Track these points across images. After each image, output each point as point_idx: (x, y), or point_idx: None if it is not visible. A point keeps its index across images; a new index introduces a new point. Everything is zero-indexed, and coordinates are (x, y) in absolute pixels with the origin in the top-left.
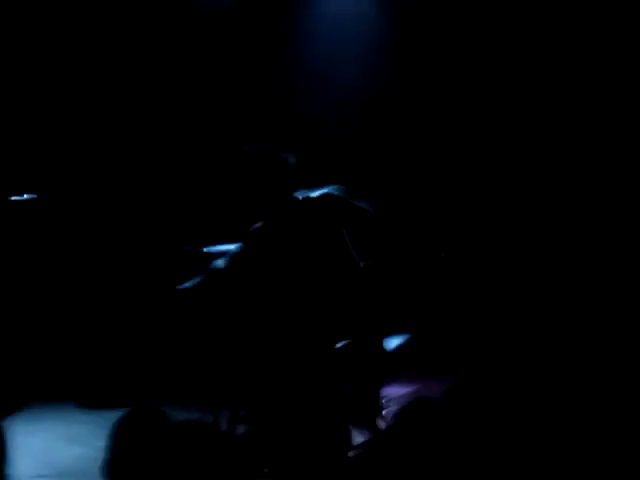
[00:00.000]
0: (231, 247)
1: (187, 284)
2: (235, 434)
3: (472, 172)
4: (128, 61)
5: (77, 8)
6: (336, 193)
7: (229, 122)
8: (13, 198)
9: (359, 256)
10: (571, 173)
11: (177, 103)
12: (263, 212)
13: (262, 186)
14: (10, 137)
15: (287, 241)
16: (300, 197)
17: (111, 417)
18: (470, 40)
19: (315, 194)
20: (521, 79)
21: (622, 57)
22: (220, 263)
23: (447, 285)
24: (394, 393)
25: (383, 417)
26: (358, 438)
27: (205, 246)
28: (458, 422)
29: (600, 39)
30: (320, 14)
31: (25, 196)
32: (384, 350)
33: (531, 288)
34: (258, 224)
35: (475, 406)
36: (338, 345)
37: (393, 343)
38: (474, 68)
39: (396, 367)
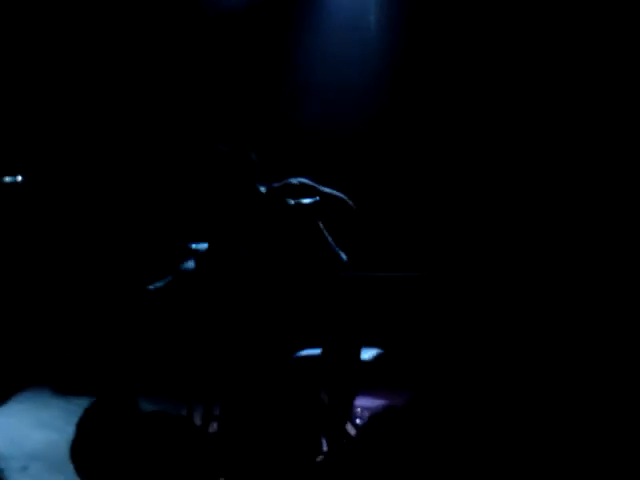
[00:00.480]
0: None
1: (158, 283)
2: (207, 431)
3: (463, 187)
4: (128, 58)
5: (77, 7)
6: (299, 182)
7: (231, 127)
8: (5, 179)
9: (342, 252)
10: (566, 189)
11: (175, 102)
12: (227, 207)
13: (221, 181)
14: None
15: (255, 237)
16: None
17: (84, 404)
18: (472, 49)
19: (278, 185)
20: (525, 90)
21: (622, 57)
22: (190, 264)
23: (427, 302)
24: (366, 404)
25: (354, 426)
26: (327, 444)
27: (194, 242)
28: (422, 430)
29: (600, 39)
30: (323, 24)
31: (19, 178)
32: (361, 360)
33: (519, 309)
34: (222, 223)
35: (439, 414)
36: (309, 352)
37: (366, 355)
38: (477, 78)
39: (369, 378)
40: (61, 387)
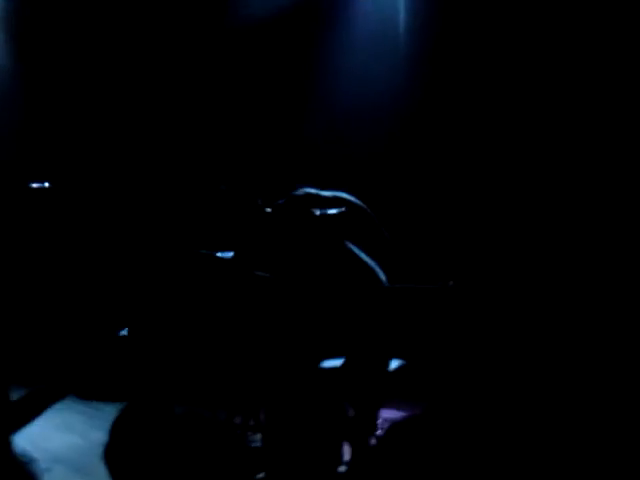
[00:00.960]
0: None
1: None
2: (245, 438)
3: (488, 196)
4: (156, 67)
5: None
6: (304, 192)
7: (259, 135)
8: (33, 185)
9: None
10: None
11: (206, 112)
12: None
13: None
14: (36, 128)
15: (274, 257)
16: (317, 213)
17: (108, 409)
18: (494, 62)
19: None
20: (552, 99)
21: (622, 57)
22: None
23: (451, 313)
24: (386, 415)
25: (376, 437)
26: (349, 454)
27: (220, 251)
28: (440, 440)
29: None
30: (350, 33)
31: (46, 184)
32: (387, 372)
33: (544, 322)
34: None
35: (456, 425)
36: (332, 363)
37: (390, 366)
38: (506, 92)
39: (392, 390)
40: (84, 392)
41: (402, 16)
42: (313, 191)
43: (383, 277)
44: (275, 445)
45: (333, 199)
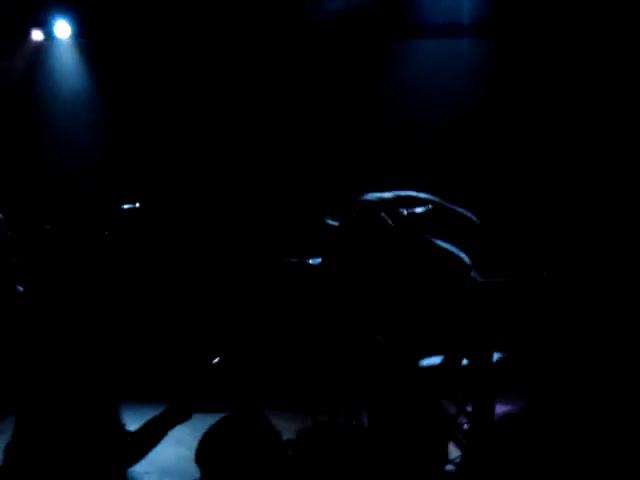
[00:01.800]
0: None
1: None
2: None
3: (577, 183)
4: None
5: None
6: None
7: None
8: (125, 206)
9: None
10: None
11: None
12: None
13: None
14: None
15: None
16: (404, 212)
17: (211, 420)
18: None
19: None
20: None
21: (622, 57)
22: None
23: (547, 305)
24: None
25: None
26: (455, 452)
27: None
28: (541, 436)
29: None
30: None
31: (137, 205)
32: (495, 367)
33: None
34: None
35: (556, 420)
36: (431, 360)
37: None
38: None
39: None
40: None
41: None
42: (376, 195)
43: (467, 260)
44: (379, 445)
45: (402, 198)
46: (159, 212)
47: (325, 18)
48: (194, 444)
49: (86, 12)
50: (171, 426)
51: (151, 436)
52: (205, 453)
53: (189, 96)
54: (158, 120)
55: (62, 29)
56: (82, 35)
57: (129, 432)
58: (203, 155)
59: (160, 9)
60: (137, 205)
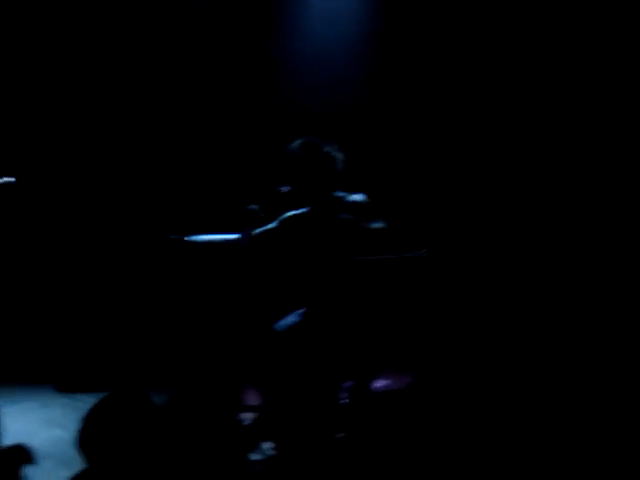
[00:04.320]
0: (216, 237)
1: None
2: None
3: (461, 165)
4: (123, 55)
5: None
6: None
7: (222, 116)
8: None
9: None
10: (561, 170)
11: (172, 95)
12: (302, 203)
13: (309, 180)
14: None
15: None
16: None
17: (88, 401)
18: (463, 35)
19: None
20: (516, 75)
21: (622, 57)
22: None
23: (427, 283)
24: (377, 385)
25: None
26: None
27: (188, 235)
28: (423, 412)
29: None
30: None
31: (12, 179)
32: (380, 344)
33: (520, 289)
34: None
35: (440, 397)
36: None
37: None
38: (467, 64)
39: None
40: (65, 385)
41: None
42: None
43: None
44: (272, 420)
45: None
46: (36, 187)
47: None
48: (67, 425)
49: None
50: None
51: None
52: (89, 436)
53: (52, 57)
54: (27, 88)
55: None
56: None
57: None
58: (79, 123)
59: None
60: (12, 180)
